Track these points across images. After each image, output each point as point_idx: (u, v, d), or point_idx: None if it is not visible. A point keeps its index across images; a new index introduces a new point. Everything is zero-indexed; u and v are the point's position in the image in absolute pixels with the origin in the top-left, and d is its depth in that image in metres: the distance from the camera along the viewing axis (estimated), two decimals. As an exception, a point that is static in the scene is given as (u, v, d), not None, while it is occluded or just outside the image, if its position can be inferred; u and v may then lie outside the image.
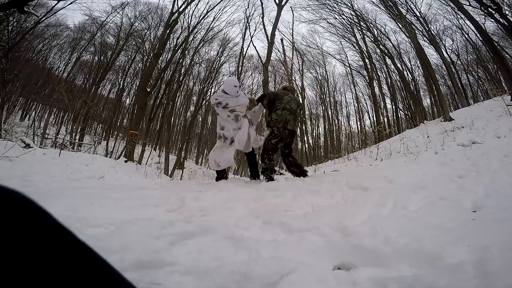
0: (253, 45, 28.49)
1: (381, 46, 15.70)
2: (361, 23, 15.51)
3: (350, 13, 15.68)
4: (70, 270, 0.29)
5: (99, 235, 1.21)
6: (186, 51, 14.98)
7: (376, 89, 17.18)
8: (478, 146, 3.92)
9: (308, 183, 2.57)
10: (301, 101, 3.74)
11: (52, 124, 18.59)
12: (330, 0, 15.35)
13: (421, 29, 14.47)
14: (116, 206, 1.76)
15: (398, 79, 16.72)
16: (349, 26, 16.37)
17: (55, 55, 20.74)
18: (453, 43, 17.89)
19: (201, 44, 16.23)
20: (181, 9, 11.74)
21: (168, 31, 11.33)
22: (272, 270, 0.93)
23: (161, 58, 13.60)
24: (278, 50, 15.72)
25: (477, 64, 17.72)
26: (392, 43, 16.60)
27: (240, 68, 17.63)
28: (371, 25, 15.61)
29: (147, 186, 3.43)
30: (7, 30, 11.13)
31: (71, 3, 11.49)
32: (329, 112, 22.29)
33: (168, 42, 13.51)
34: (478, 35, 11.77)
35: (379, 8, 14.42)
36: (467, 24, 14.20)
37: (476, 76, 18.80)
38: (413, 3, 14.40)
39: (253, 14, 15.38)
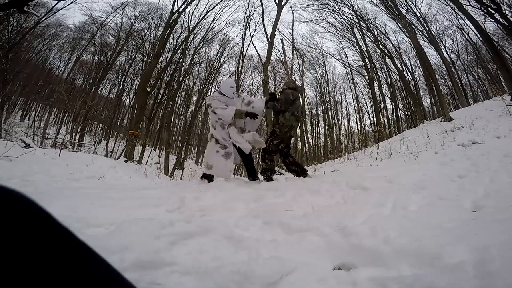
0: (253, 45, 28.46)
1: (381, 46, 15.70)
2: (361, 23, 15.51)
3: (350, 13, 15.70)
4: (70, 270, 0.29)
5: (99, 235, 1.21)
6: (186, 51, 14.99)
7: (376, 89, 17.20)
8: (478, 146, 3.91)
9: (308, 183, 2.57)
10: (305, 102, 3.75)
11: (52, 124, 18.58)
12: (330, 0, 15.36)
13: (421, 29, 14.47)
14: (116, 206, 1.76)
15: (398, 79, 16.72)
16: (349, 26, 16.37)
17: (55, 55, 20.78)
18: (453, 43, 17.92)
19: (201, 44, 16.25)
20: (181, 9, 11.75)
21: (168, 31, 11.33)
22: (272, 270, 0.93)
23: (161, 58, 13.60)
24: (278, 50, 15.72)
25: (477, 64, 17.72)
26: (392, 43, 16.62)
27: (240, 68, 17.64)
28: (371, 25, 15.62)
29: (147, 186, 3.43)
30: (7, 30, 11.13)
31: (71, 3, 11.50)
32: (329, 112, 22.30)
33: (168, 42, 13.52)
34: (478, 35, 11.77)
35: (379, 8, 14.43)
36: (467, 24, 14.22)
37: (476, 76, 18.80)
38: (413, 3, 14.41)
39: (253, 14, 15.38)
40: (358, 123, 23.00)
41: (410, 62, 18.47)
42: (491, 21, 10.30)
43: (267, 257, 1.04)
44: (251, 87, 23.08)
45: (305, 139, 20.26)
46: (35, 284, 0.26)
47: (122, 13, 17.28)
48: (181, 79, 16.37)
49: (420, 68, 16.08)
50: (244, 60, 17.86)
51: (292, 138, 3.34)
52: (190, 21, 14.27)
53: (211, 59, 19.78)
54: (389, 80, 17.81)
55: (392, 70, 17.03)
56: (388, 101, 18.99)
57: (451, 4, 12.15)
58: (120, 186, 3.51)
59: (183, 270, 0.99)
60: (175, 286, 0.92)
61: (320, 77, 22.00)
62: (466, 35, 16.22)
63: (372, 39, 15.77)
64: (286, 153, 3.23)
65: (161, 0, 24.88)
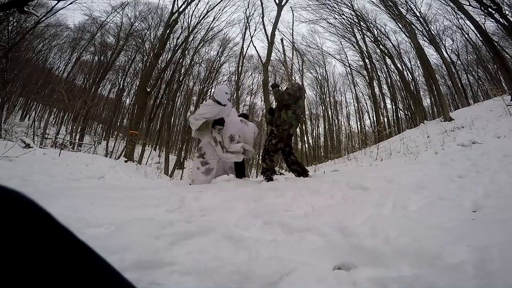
0: (253, 45, 28.46)
1: (381, 46, 15.70)
2: (361, 23, 15.51)
3: (350, 13, 15.69)
4: (70, 270, 0.29)
5: (99, 235, 1.21)
6: (186, 51, 14.99)
7: (376, 89, 17.19)
8: (478, 146, 3.91)
9: (308, 183, 2.57)
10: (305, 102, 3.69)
11: (52, 124, 18.58)
12: (330, 0, 15.36)
13: (421, 29, 14.47)
14: (116, 206, 1.76)
15: (398, 79, 16.72)
16: (349, 26, 16.37)
17: (55, 55, 20.76)
18: (453, 43, 17.91)
19: (201, 44, 16.24)
20: (181, 9, 11.74)
21: (168, 31, 11.33)
22: (272, 270, 0.93)
23: (161, 58, 13.60)
24: (278, 50, 15.71)
25: (477, 64, 17.72)
26: (392, 43, 16.61)
27: (240, 68, 17.64)
28: (371, 25, 15.61)
29: (147, 186, 3.43)
30: (7, 30, 11.13)
31: (71, 3, 11.50)
32: (329, 112, 22.30)
33: (168, 42, 13.51)
34: (478, 35, 11.76)
35: (379, 8, 14.43)
36: (467, 24, 14.21)
37: (476, 76, 18.80)
38: (413, 3, 14.41)
39: (253, 14, 15.37)
40: (358, 123, 23.01)
41: (410, 62, 18.48)
42: (491, 21, 10.30)
43: (267, 257, 1.04)
44: (251, 87, 23.11)
45: (305, 139, 20.28)
46: (35, 284, 0.26)
47: (122, 13, 17.29)
48: (181, 79, 16.37)
49: (420, 68, 16.09)
50: (244, 60, 17.88)
51: (291, 137, 3.28)
52: (190, 21, 14.28)
53: (211, 59, 19.80)
54: (389, 80, 17.81)
55: (392, 70, 17.03)
56: (388, 101, 19.00)
57: (451, 4, 12.16)
58: (120, 186, 3.51)
59: (183, 270, 0.99)
60: (175, 286, 0.92)
61: (320, 77, 22.01)
62: (466, 35, 16.23)
63: (372, 39, 15.77)
64: (287, 152, 3.21)
65: (161, 0, 24.88)
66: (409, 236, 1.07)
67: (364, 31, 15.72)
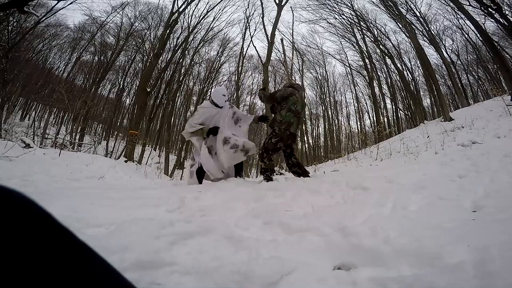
0: (253, 45, 28.49)
1: (381, 46, 15.71)
2: (361, 23, 15.52)
3: (350, 13, 15.71)
4: (70, 270, 0.29)
5: (99, 235, 1.21)
6: (186, 51, 15.00)
7: (376, 89, 17.21)
8: (478, 146, 3.91)
9: (308, 183, 2.57)
10: (305, 102, 3.61)
11: (52, 124, 18.58)
12: (330, 0, 15.37)
13: (421, 29, 14.48)
14: (116, 206, 1.76)
15: (398, 79, 16.73)
16: (349, 26, 16.38)
17: (55, 55, 20.79)
18: (453, 43, 17.93)
19: (201, 44, 16.26)
20: (181, 9, 11.76)
21: (168, 31, 11.34)
22: (272, 270, 0.93)
23: (161, 58, 13.61)
24: (278, 50, 15.74)
25: (477, 64, 17.73)
26: (392, 43, 16.63)
27: (240, 68, 17.65)
28: (371, 25, 15.62)
29: (147, 186, 3.43)
30: (7, 30, 11.14)
31: (71, 3, 11.50)
32: (329, 112, 22.31)
33: (168, 42, 13.52)
34: (478, 35, 11.77)
35: (379, 8, 14.44)
36: (467, 24, 14.23)
37: (476, 76, 18.81)
38: (413, 3, 14.42)
39: (253, 14, 15.41)
40: (358, 123, 23.03)
41: (410, 62, 18.50)
42: (491, 21, 10.31)
43: (267, 257, 1.04)
44: (251, 87, 23.12)
45: (305, 139, 20.28)
46: (35, 284, 0.26)
47: (122, 13, 17.32)
48: (181, 79, 16.37)
49: (420, 68, 16.10)
50: (244, 60, 17.91)
51: (295, 138, 3.18)
52: (190, 21, 14.30)
53: (211, 59, 19.82)
54: (389, 80, 17.82)
55: (392, 70, 17.05)
56: (388, 101, 19.03)
57: (451, 4, 12.16)
58: (120, 186, 3.51)
59: (183, 270, 0.99)
60: (175, 286, 0.92)
61: (320, 77, 22.03)
62: (466, 35, 16.24)
63: (372, 39, 15.78)
64: (289, 154, 3.18)
65: (161, 0, 24.91)
66: (409, 236, 1.07)
67: (364, 31, 15.74)
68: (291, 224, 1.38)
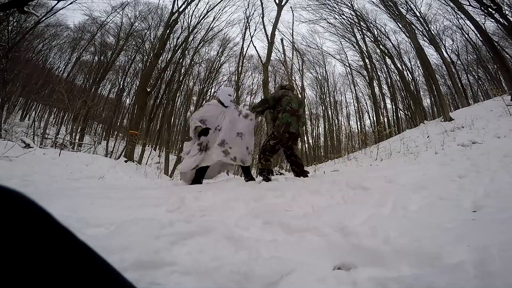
0: (253, 45, 28.54)
1: (381, 46, 15.70)
2: (361, 23, 15.51)
3: (350, 13, 15.70)
4: (70, 270, 0.29)
5: (99, 235, 1.21)
6: (186, 51, 14.98)
7: (376, 89, 17.19)
8: (478, 146, 3.92)
9: (308, 183, 2.57)
10: (303, 100, 3.57)
11: (52, 124, 18.59)
12: (330, 0, 15.36)
13: (421, 29, 14.47)
14: (116, 206, 1.76)
15: (398, 79, 16.73)
16: (349, 26, 16.37)
17: (55, 55, 20.79)
18: (453, 43, 17.93)
19: (201, 44, 16.24)
20: (181, 9, 11.75)
21: (168, 31, 11.33)
22: (272, 270, 0.93)
23: (161, 58, 13.60)
24: (278, 50, 15.70)
25: (477, 64, 17.72)
26: (392, 43, 16.63)
27: (240, 68, 17.63)
28: (371, 25, 15.62)
29: (147, 186, 3.43)
30: (7, 30, 11.14)
31: (71, 3, 11.49)
32: (329, 112, 22.31)
33: (168, 42, 13.52)
34: (478, 35, 11.77)
35: (379, 8, 14.44)
36: (467, 24, 14.22)
37: (476, 76, 18.81)
38: (413, 3, 14.41)
39: (253, 14, 15.38)
40: (358, 123, 23.03)
41: (410, 62, 18.49)
42: (491, 21, 10.31)
43: (267, 257, 1.04)
44: (251, 87, 23.10)
45: (305, 139, 20.27)
46: (35, 284, 0.26)
47: (122, 13, 17.32)
48: (181, 79, 16.36)
49: (420, 68, 16.10)
50: (244, 60, 17.87)
51: (296, 138, 3.14)
52: (190, 21, 14.28)
53: (211, 59, 19.81)
54: (389, 80, 17.82)
55: (392, 70, 17.05)
56: (388, 101, 19.03)
57: (451, 4, 12.16)
58: (120, 186, 3.51)
59: (183, 270, 0.99)
60: (175, 286, 0.92)
61: (320, 77, 22.02)
62: (466, 35, 16.24)
63: (372, 39, 15.77)
64: (288, 155, 3.20)
65: (161, 0, 24.92)
66: (409, 236, 1.07)
67: (364, 31, 15.73)
68: (291, 224, 1.38)
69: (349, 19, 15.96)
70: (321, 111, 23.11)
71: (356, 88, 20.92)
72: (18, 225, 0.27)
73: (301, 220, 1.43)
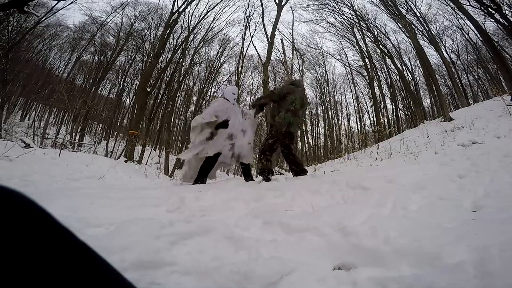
0: (253, 45, 28.50)
1: (381, 46, 15.70)
2: (361, 23, 15.51)
3: (350, 13, 15.70)
4: (70, 270, 0.29)
5: (99, 235, 1.21)
6: (186, 51, 14.97)
7: (376, 89, 17.20)
8: (478, 146, 3.92)
9: (308, 183, 2.57)
10: (307, 100, 3.58)
11: (52, 124, 18.58)
12: (330, 0, 15.37)
13: (421, 29, 14.47)
14: (116, 206, 1.76)
15: (398, 79, 16.73)
16: (349, 26, 16.38)
17: (55, 55, 20.78)
18: (453, 43, 17.93)
19: (201, 44, 16.24)
20: (181, 9, 11.75)
21: (168, 31, 11.33)
22: (272, 270, 0.93)
23: (161, 58, 13.59)
24: (278, 50, 15.71)
25: (477, 64, 17.72)
26: (392, 43, 16.63)
27: (240, 68, 17.64)
28: (371, 25, 15.62)
29: (147, 186, 3.43)
30: (7, 30, 11.14)
31: (71, 3, 11.49)
32: (329, 112, 22.32)
33: (168, 42, 13.52)
34: (478, 35, 11.76)
35: (379, 8, 14.44)
36: (467, 24, 14.22)
37: (476, 76, 18.80)
38: (413, 3, 14.41)
39: (253, 14, 15.38)
40: (358, 123, 23.03)
41: (410, 62, 18.49)
42: (491, 21, 10.31)
43: (267, 257, 1.04)
44: (251, 87, 23.09)
45: (305, 139, 20.28)
46: (35, 284, 0.26)
47: (122, 13, 17.31)
48: (181, 79, 16.35)
49: (420, 68, 16.10)
50: (244, 60, 17.88)
51: (292, 137, 3.16)
52: (190, 21, 14.27)
53: (211, 59, 19.79)
54: (389, 80, 17.81)
55: (392, 70, 17.05)
56: (388, 101, 19.03)
57: (451, 4, 12.16)
58: (120, 186, 3.52)
59: (183, 270, 0.99)
60: (175, 286, 0.92)
61: (320, 77, 22.02)
62: (466, 35, 16.23)
63: (372, 39, 15.77)
64: (286, 154, 3.19)
65: (161, 0, 24.91)
66: (409, 236, 1.07)
67: (364, 31, 15.73)
68: (291, 224, 1.38)
69: (349, 19, 15.98)
70: (321, 111, 23.14)
71: (356, 88, 20.95)
72: (18, 225, 0.27)
73: (301, 220, 1.43)
